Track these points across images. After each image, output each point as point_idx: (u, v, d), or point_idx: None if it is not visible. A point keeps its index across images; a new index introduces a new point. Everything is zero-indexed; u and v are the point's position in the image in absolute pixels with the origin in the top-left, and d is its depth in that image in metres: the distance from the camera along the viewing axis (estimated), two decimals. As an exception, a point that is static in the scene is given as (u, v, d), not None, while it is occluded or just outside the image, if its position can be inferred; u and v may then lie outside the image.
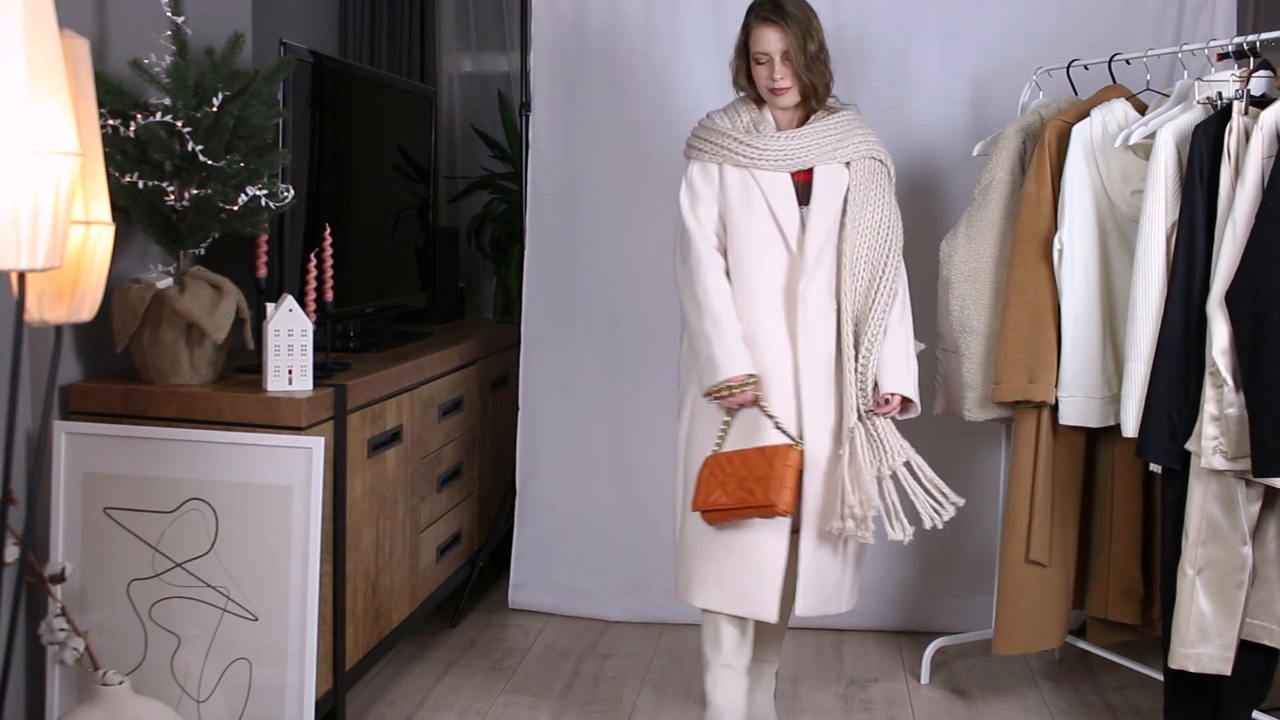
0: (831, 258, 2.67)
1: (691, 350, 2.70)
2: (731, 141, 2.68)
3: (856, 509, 2.57)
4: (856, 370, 2.63)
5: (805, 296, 2.64)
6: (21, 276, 1.70)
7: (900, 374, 2.67)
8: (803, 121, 2.72)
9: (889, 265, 2.67)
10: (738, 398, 2.59)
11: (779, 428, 2.60)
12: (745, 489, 2.55)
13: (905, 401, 2.69)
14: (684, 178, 2.73)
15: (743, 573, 2.64)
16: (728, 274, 2.68)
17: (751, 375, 2.60)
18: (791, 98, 2.67)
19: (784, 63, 2.63)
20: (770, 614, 2.64)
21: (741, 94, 2.77)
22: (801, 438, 2.61)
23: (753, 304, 2.67)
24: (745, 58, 2.71)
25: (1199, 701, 2.61)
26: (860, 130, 2.72)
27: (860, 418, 2.62)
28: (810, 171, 2.67)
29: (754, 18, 2.68)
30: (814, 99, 2.69)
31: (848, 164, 2.69)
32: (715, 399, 2.62)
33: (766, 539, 2.63)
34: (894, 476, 2.63)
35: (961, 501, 2.64)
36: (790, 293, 2.66)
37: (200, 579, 2.53)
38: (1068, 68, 3.08)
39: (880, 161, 2.73)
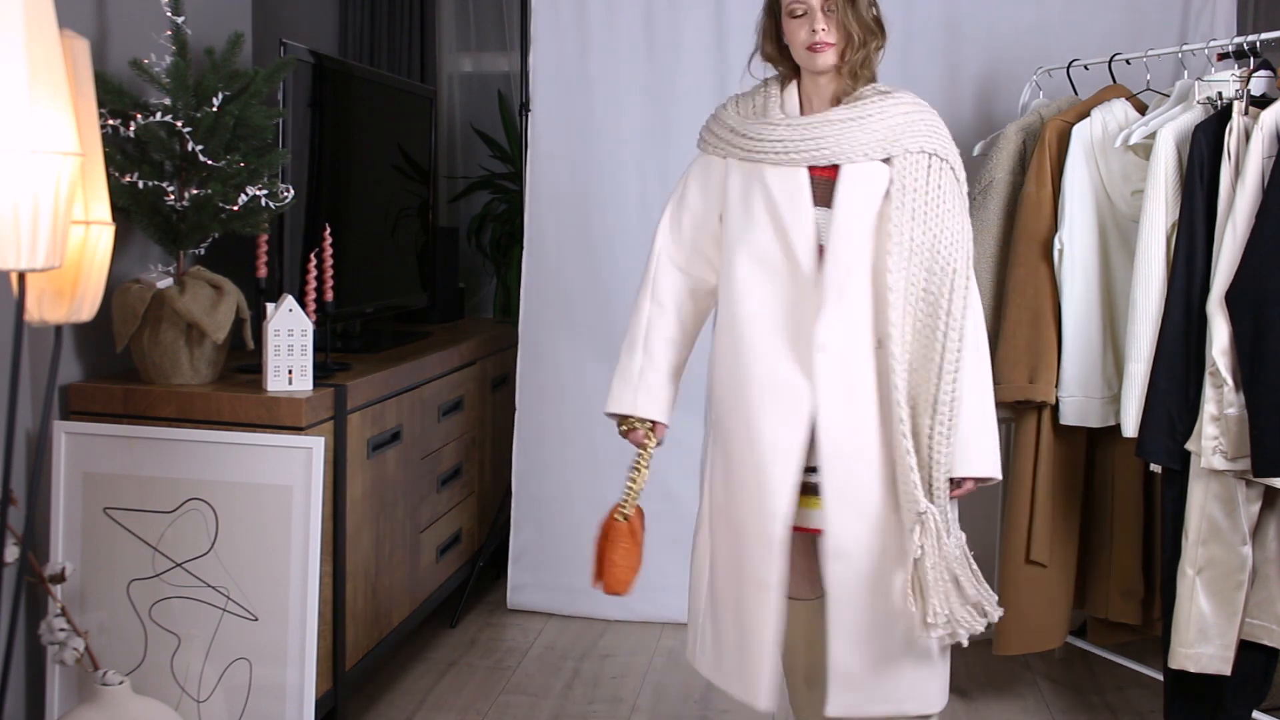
0: (865, 285, 2.11)
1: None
2: (727, 131, 2.22)
3: (941, 613, 2.05)
4: (920, 450, 2.07)
5: (824, 340, 2.10)
6: (21, 276, 1.70)
7: (979, 450, 2.12)
8: (837, 103, 2.18)
9: (956, 298, 2.07)
10: (630, 435, 2.28)
11: (627, 489, 2.25)
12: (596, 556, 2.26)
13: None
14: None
15: (740, 648, 2.22)
16: (693, 301, 2.30)
17: (645, 422, 2.26)
18: (831, 57, 2.13)
19: (826, 12, 2.11)
20: (760, 702, 2.20)
21: (765, 78, 2.28)
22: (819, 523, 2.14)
23: (747, 350, 2.16)
24: (775, 16, 2.20)
25: (1199, 701, 2.61)
26: (919, 118, 2.17)
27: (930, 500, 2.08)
28: (836, 168, 2.13)
29: None
30: (858, 68, 2.15)
31: (888, 160, 2.13)
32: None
33: (754, 608, 2.18)
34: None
35: (1000, 614, 2.15)
36: (800, 332, 2.12)
37: (200, 579, 2.53)
38: (1068, 68, 3.08)
39: (941, 159, 2.15)
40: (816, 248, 2.13)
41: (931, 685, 2.19)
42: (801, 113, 2.20)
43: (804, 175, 2.14)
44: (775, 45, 2.23)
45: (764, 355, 2.15)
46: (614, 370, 2.31)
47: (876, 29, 2.16)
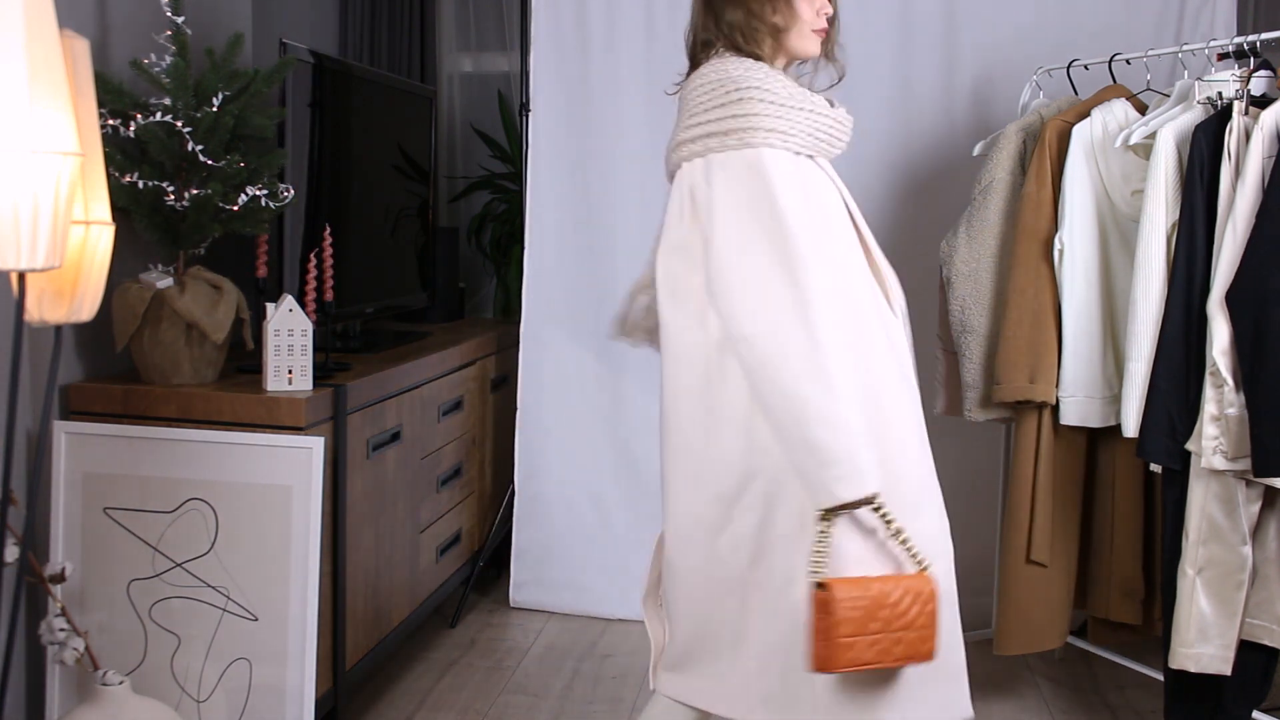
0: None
1: (791, 433, 1.85)
2: (822, 119, 1.95)
3: None
4: None
5: (902, 320, 2.02)
6: (21, 276, 1.70)
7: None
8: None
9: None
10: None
11: (906, 545, 1.89)
12: (893, 635, 1.84)
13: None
14: (759, 169, 1.87)
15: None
16: None
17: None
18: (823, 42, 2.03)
19: None
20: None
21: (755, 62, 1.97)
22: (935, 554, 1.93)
23: (870, 351, 1.95)
24: None
25: (1199, 701, 2.61)
26: None
27: None
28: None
29: None
30: (831, 51, 2.07)
31: None
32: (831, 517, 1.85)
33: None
34: None
35: None
36: (889, 323, 1.99)
37: (200, 579, 2.53)
38: (1068, 68, 3.08)
39: None
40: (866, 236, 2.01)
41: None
42: None
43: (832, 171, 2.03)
44: (770, 25, 1.97)
45: (881, 356, 1.96)
46: (827, 432, 1.83)
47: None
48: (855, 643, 1.81)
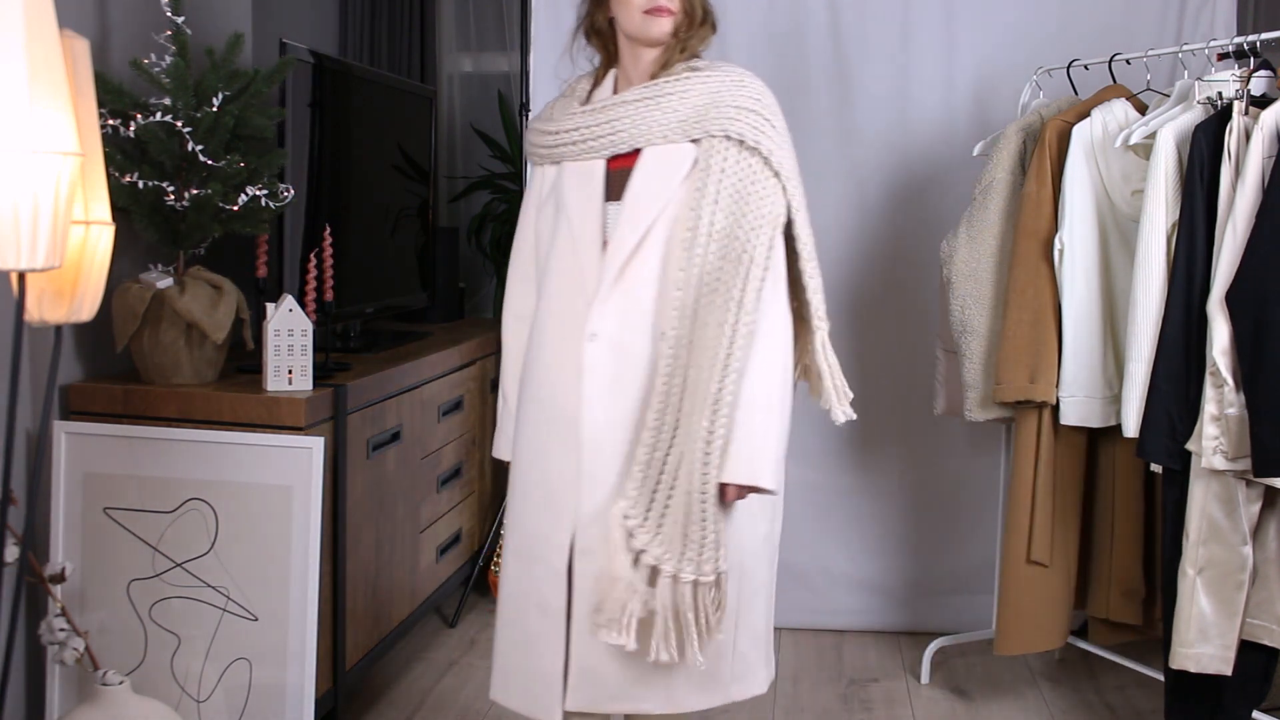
0: (651, 274, 1.97)
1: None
2: (538, 135, 2.10)
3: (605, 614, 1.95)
4: (659, 443, 1.92)
5: (596, 329, 1.97)
6: (21, 276, 1.70)
7: (739, 455, 1.92)
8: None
9: (750, 289, 1.90)
10: None
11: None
12: None
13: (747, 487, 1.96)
14: None
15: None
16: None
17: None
18: (668, 25, 1.99)
19: None
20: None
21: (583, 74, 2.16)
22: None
23: (546, 346, 2.05)
24: None
25: (1199, 701, 2.61)
26: (730, 97, 1.98)
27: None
28: (637, 155, 2.00)
29: None
30: (686, 41, 2.02)
31: (697, 142, 1.98)
32: None
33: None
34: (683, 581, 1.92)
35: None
36: (579, 326, 2.00)
37: (200, 579, 2.53)
38: (1068, 68, 3.08)
39: (750, 146, 1.96)
40: (602, 243, 2.00)
41: (679, 685, 2.03)
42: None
43: (600, 169, 2.03)
44: (596, 29, 2.07)
45: (556, 348, 2.03)
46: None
47: (712, 17, 2.06)
48: None
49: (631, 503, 1.93)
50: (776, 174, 1.97)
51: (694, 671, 2.01)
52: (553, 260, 2.05)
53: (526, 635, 2.08)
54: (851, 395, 2.13)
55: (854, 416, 2.11)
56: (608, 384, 1.98)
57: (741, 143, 1.96)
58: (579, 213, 2.01)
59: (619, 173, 2.01)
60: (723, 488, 1.94)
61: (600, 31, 2.09)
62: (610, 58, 2.11)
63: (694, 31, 2.02)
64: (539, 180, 2.14)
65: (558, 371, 2.03)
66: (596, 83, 2.12)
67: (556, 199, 2.07)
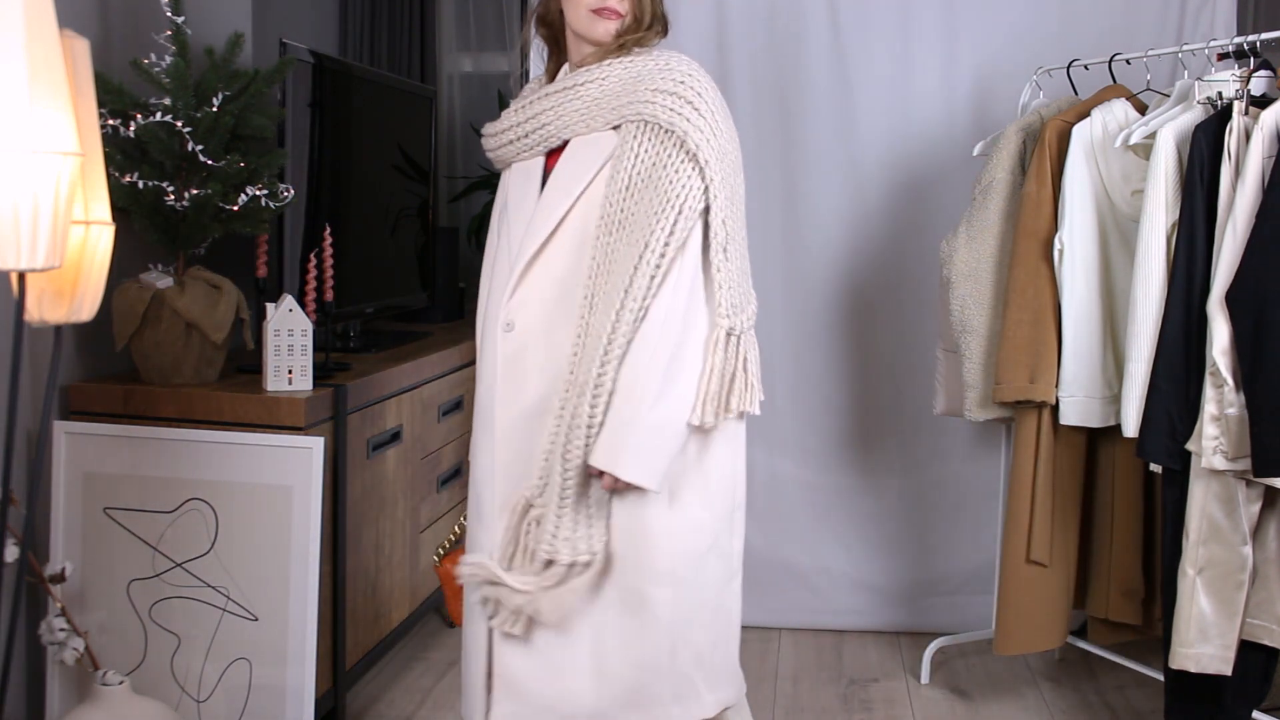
0: (569, 262, 1.97)
1: None
2: (490, 139, 2.14)
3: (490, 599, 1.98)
4: (560, 431, 1.91)
5: (509, 319, 2.00)
6: (21, 276, 1.70)
7: (605, 443, 1.88)
8: None
9: (640, 277, 1.87)
10: None
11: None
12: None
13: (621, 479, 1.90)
14: None
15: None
16: None
17: None
18: (614, 27, 2.00)
19: None
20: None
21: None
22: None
23: (484, 343, 2.09)
24: None
25: (1199, 701, 2.61)
26: (649, 82, 1.95)
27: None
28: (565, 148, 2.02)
29: None
30: (626, 41, 2.01)
31: (618, 129, 1.96)
32: None
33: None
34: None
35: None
36: (496, 317, 2.04)
37: (200, 579, 2.53)
38: (1068, 68, 3.08)
39: (664, 128, 1.92)
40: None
41: (608, 701, 2.01)
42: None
43: (538, 166, 2.04)
44: (547, 23, 2.07)
45: (487, 339, 2.05)
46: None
47: (662, 21, 2.05)
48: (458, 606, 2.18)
49: (535, 491, 1.95)
50: (693, 157, 1.91)
51: (625, 686, 1.99)
52: (493, 259, 2.12)
53: (465, 640, 2.12)
54: (737, 411, 1.96)
55: (696, 424, 1.94)
56: (523, 375, 1.98)
57: (657, 126, 1.92)
58: (516, 210, 2.04)
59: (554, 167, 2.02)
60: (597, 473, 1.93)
61: (550, 23, 2.10)
62: (559, 51, 2.11)
63: (640, 34, 2.01)
64: (501, 183, 2.16)
65: (488, 366, 2.04)
66: (550, 79, 2.11)
67: (503, 199, 2.11)
